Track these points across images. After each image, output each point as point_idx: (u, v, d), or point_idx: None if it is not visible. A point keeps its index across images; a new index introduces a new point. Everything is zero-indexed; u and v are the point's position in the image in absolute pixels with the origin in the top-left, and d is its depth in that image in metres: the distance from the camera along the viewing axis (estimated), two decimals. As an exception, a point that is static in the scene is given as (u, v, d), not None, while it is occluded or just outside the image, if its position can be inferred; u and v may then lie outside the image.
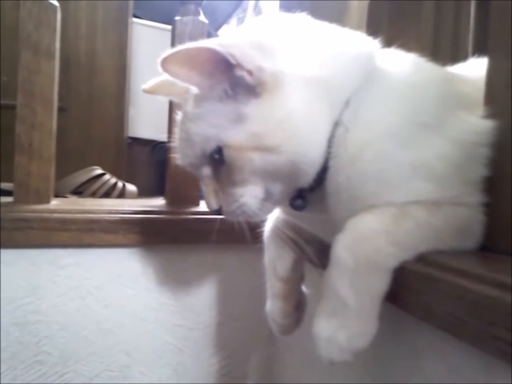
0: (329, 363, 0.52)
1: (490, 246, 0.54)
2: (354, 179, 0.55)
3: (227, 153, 0.55)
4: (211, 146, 0.56)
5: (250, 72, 0.54)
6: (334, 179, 0.57)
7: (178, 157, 0.62)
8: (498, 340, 0.39)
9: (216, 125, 0.56)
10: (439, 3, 1.73)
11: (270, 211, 0.64)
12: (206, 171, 0.60)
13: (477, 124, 0.55)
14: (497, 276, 0.42)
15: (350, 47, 0.61)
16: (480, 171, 0.54)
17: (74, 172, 1.65)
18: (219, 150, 0.56)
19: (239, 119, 0.55)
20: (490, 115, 0.54)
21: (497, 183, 0.53)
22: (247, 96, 0.55)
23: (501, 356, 0.39)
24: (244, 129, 0.55)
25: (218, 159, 0.57)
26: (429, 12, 1.69)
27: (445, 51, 1.66)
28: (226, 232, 0.89)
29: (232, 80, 0.55)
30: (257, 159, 0.55)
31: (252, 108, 0.55)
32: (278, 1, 1.82)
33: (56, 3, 1.00)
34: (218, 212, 0.60)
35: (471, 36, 1.72)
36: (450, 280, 0.45)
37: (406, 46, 0.64)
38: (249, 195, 0.57)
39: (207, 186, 0.60)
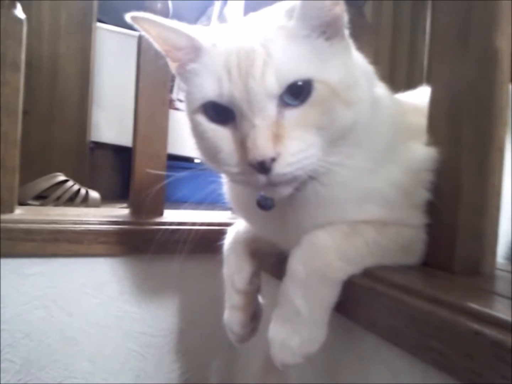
0: (282, 366, 0.56)
1: (431, 262, 0.59)
2: (326, 191, 0.58)
3: (321, 89, 0.52)
4: (300, 74, 0.51)
5: (338, 15, 0.54)
6: (311, 184, 0.58)
7: (229, 89, 0.52)
8: (432, 350, 0.44)
9: (311, 59, 0.52)
10: (396, 18, 1.81)
11: (297, 182, 0.55)
12: (271, 108, 0.51)
13: (422, 152, 0.61)
14: (433, 292, 0.47)
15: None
16: (424, 195, 0.60)
17: (35, 176, 1.65)
18: (309, 84, 0.52)
19: (325, 61, 0.53)
20: (431, 143, 0.60)
21: (437, 206, 0.59)
22: (327, 42, 0.54)
23: (434, 364, 0.45)
24: (335, 72, 0.53)
25: (300, 95, 0.51)
26: (387, 28, 1.77)
27: (401, 66, 1.74)
28: (188, 243, 0.93)
29: (319, 19, 0.53)
30: (339, 107, 0.53)
31: (333, 55, 0.54)
32: (242, 10, 1.87)
33: (22, 16, 1.01)
34: (262, 166, 0.50)
35: (426, 50, 1.80)
36: (392, 294, 0.50)
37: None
38: (317, 147, 0.52)
39: (264, 129, 0.50)
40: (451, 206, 0.57)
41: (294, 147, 0.51)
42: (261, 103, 0.51)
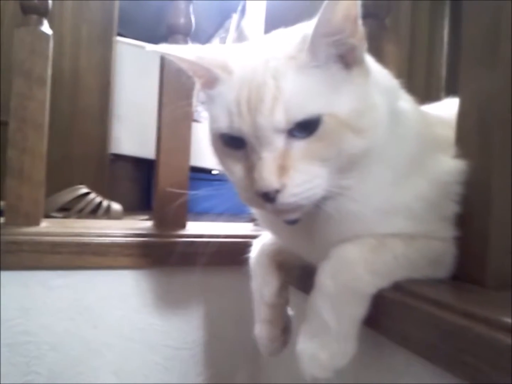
0: (311, 379, 0.56)
1: (461, 276, 0.59)
2: (348, 207, 0.58)
3: (329, 123, 0.52)
4: (310, 111, 0.51)
5: (356, 46, 0.54)
6: (332, 201, 0.57)
7: (238, 123, 0.53)
8: (466, 365, 0.44)
9: (320, 92, 0.52)
10: (413, 29, 1.81)
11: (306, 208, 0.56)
12: (278, 142, 0.52)
13: (450, 164, 0.60)
14: (466, 307, 0.47)
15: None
16: (452, 208, 0.59)
17: (56, 188, 1.67)
18: (318, 118, 0.51)
19: (338, 91, 0.53)
20: (460, 155, 0.60)
21: (467, 218, 0.58)
22: (344, 69, 0.54)
23: (469, 379, 0.44)
24: (346, 102, 0.53)
25: (308, 128, 0.52)
26: (405, 39, 1.77)
27: (418, 78, 1.74)
28: (211, 255, 0.94)
29: (334, 49, 0.53)
30: (348, 138, 0.52)
31: (348, 83, 0.54)
32: (261, 22, 1.88)
33: (49, 32, 1.03)
34: (267, 196, 0.51)
35: (444, 62, 1.80)
36: (424, 308, 0.50)
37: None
38: (323, 177, 0.53)
39: (271, 162, 0.52)
40: (481, 218, 0.56)
41: (299, 178, 0.52)
42: (269, 138, 0.52)
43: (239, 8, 2.55)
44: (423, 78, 1.83)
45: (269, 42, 0.60)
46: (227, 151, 0.58)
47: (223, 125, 0.55)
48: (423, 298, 0.51)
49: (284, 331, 0.73)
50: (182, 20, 1.11)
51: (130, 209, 2.03)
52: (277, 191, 0.51)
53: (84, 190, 1.70)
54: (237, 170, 0.57)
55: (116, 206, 1.73)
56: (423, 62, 1.84)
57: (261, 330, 0.72)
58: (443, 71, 1.83)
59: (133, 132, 2.46)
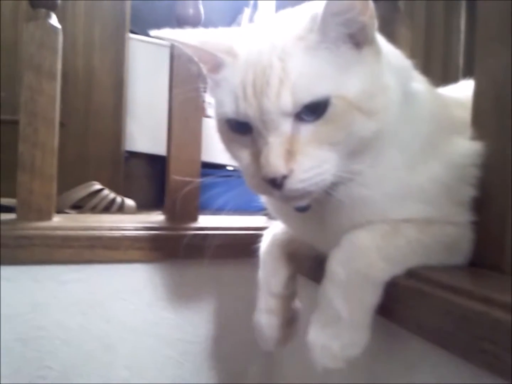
0: (323, 370, 0.54)
1: (479, 262, 0.57)
2: (360, 192, 0.56)
3: (338, 105, 0.50)
4: (317, 93, 0.50)
5: (367, 24, 0.52)
6: (343, 186, 0.56)
7: (244, 107, 0.52)
8: (485, 353, 0.42)
9: (329, 73, 0.51)
10: (429, 13, 1.78)
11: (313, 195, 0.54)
12: (285, 126, 0.51)
13: (466, 146, 0.58)
14: (484, 292, 0.45)
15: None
16: (469, 191, 0.57)
17: (72, 187, 1.67)
18: (326, 100, 0.50)
19: (347, 71, 0.51)
20: (477, 137, 0.57)
21: (485, 202, 0.56)
22: (354, 49, 0.52)
23: (488, 368, 0.42)
24: (356, 83, 0.51)
25: (316, 111, 0.50)
26: (421, 20, 1.74)
27: (436, 59, 1.71)
28: (223, 248, 0.92)
29: (345, 28, 0.51)
30: (358, 120, 0.51)
31: (358, 63, 0.52)
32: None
33: (58, 26, 1.02)
34: (274, 182, 0.50)
35: (462, 44, 1.77)
36: (440, 295, 0.48)
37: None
38: (332, 163, 0.52)
39: (277, 146, 0.50)
40: (499, 202, 0.54)
41: (306, 163, 0.50)
42: (275, 122, 0.51)
43: (252, 2, 2.53)
44: (440, 64, 1.80)
45: (275, 24, 0.58)
46: (233, 136, 0.57)
47: (229, 110, 0.54)
48: (438, 284, 0.49)
49: (289, 324, 0.71)
50: (191, 11, 1.10)
51: (145, 206, 2.03)
52: (285, 177, 0.50)
53: (97, 186, 1.70)
54: (244, 156, 0.56)
55: (130, 202, 1.73)
56: (440, 48, 1.81)
57: (263, 320, 0.71)
58: (460, 57, 1.80)
59: (147, 129, 2.46)
